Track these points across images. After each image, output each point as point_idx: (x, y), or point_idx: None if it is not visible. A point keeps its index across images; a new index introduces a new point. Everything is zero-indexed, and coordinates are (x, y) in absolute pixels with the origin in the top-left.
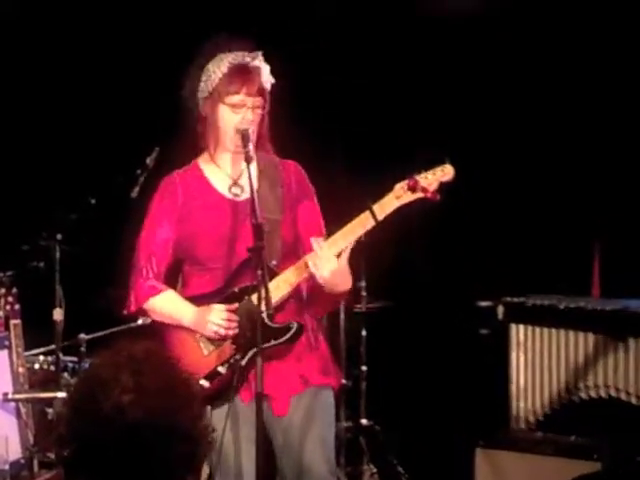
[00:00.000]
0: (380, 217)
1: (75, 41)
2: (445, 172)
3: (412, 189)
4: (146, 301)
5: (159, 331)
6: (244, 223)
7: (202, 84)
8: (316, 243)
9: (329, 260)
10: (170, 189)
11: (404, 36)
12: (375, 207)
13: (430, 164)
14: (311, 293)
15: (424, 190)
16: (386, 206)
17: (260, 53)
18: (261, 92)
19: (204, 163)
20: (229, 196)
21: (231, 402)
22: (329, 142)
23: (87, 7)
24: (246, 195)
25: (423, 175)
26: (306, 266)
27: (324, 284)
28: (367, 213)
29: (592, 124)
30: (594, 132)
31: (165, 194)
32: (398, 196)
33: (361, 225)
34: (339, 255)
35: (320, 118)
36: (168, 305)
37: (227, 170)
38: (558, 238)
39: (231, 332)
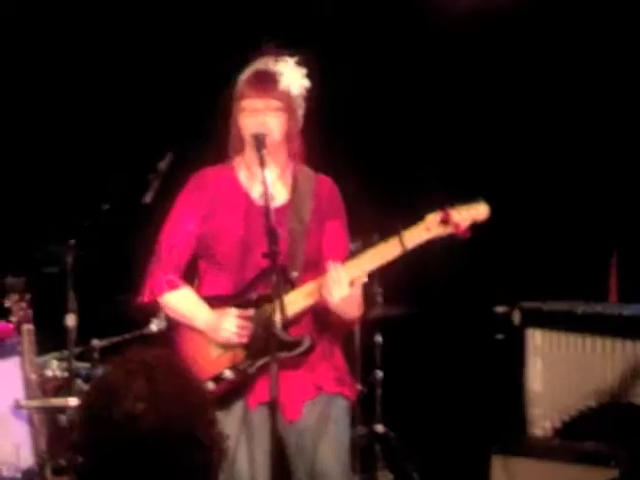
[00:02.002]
0: (409, 246)
1: (88, 46)
2: (480, 212)
3: (444, 222)
4: (161, 295)
5: (171, 329)
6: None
7: (234, 92)
8: (333, 267)
9: (341, 286)
10: (199, 184)
11: (421, 50)
12: (405, 235)
13: (463, 198)
14: (325, 312)
15: (456, 226)
16: (416, 237)
17: (288, 58)
18: (279, 96)
19: (239, 166)
20: (259, 203)
21: (237, 408)
22: (340, 156)
23: (100, 10)
24: (277, 203)
25: (456, 210)
26: (320, 288)
27: (333, 309)
28: (396, 240)
29: (609, 132)
30: (611, 140)
31: (193, 189)
32: (428, 228)
33: (390, 252)
34: (353, 282)
35: (331, 131)
36: (183, 303)
37: (259, 177)
38: (575, 243)
39: (243, 340)
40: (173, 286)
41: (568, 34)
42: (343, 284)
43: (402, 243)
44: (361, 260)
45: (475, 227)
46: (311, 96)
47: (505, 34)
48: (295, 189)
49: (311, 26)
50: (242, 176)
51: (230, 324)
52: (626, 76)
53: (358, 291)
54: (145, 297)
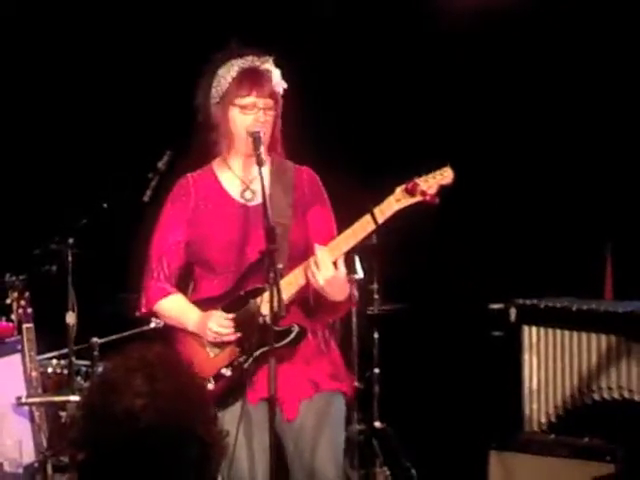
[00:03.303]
0: (380, 220)
1: (88, 46)
2: (445, 175)
3: (411, 192)
4: (155, 303)
5: (170, 333)
6: (255, 228)
7: (213, 90)
8: (319, 250)
9: (326, 268)
10: (182, 192)
11: (406, 41)
12: (376, 210)
13: (431, 167)
14: (314, 298)
15: (423, 193)
16: (386, 209)
17: (270, 57)
18: (272, 95)
19: (218, 167)
20: (241, 201)
21: (237, 404)
22: (328, 145)
23: (100, 10)
24: (258, 200)
25: (423, 178)
26: (304, 272)
27: (320, 291)
28: (368, 216)
29: (604, 126)
30: (606, 134)
31: (177, 197)
32: (398, 199)
33: (362, 228)
34: (335, 263)
35: (320, 120)
36: (175, 308)
37: (240, 175)
38: (570, 240)
39: (230, 337)
40: (164, 293)
41: (561, 33)
42: (328, 265)
43: (374, 219)
44: (339, 241)
45: (442, 192)
46: (287, 94)
47: (499, 32)
48: (274, 183)
49: (311, 26)
50: (222, 177)
51: (214, 324)
52: (624, 76)
53: (341, 272)
54: (142, 309)
